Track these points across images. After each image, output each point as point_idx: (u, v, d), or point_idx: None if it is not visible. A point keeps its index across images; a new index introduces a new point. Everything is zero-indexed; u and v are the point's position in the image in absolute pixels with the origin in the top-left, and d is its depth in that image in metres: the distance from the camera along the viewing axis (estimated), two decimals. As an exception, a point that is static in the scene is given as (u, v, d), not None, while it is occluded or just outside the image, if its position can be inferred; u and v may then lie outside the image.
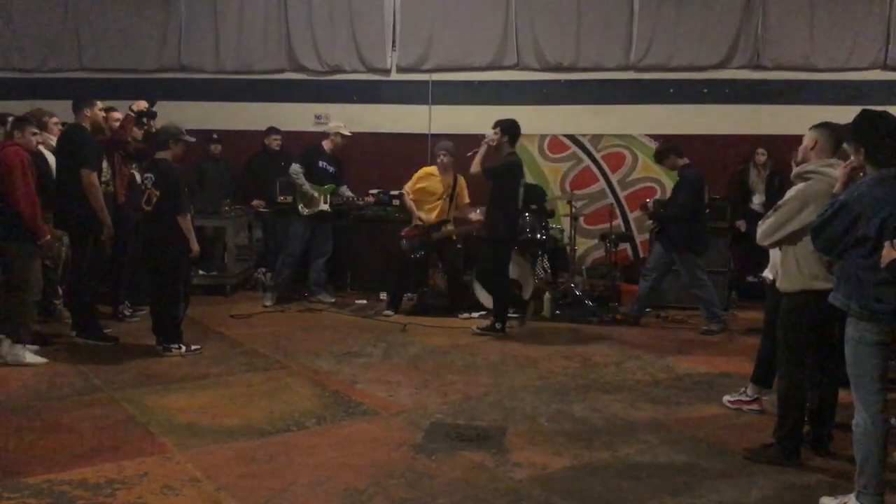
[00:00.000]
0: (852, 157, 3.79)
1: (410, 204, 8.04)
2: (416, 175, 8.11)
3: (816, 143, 4.28)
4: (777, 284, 4.43)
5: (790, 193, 4.28)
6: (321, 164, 8.27)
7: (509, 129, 7.20)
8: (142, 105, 7.04)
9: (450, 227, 8.06)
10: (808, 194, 4.17)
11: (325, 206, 8.27)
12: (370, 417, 4.99)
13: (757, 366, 5.21)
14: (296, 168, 8.19)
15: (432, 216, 7.95)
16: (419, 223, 7.92)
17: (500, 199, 7.10)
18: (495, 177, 7.14)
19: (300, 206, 8.20)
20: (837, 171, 4.15)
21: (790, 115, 8.54)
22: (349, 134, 8.44)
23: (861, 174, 3.73)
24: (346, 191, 8.51)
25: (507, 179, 7.13)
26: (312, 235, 8.34)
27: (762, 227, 4.33)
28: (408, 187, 8.11)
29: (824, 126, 4.35)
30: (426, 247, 7.92)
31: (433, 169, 8.08)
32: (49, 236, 6.01)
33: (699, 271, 7.39)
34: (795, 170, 4.37)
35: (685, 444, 4.61)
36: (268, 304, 8.19)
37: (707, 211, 7.83)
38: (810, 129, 4.38)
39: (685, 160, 7.53)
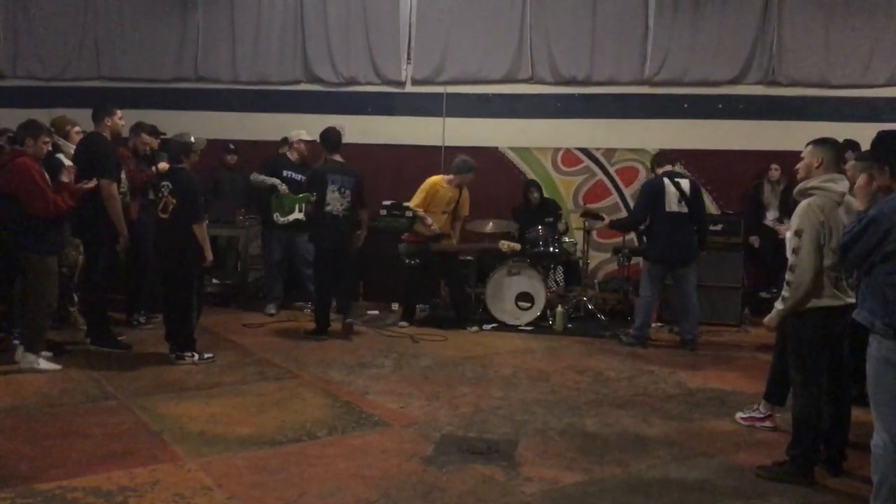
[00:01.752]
0: (875, 176, 3.78)
1: (422, 213, 7.87)
2: (423, 188, 7.88)
3: (822, 161, 4.29)
4: None
5: (796, 217, 4.24)
6: (286, 173, 8.18)
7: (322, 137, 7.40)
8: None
9: (452, 241, 8.00)
10: (815, 212, 4.16)
11: (299, 216, 8.03)
12: (381, 429, 4.99)
13: (769, 383, 5.18)
14: (256, 175, 8.18)
15: (433, 228, 7.91)
16: (422, 230, 7.85)
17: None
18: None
19: (275, 216, 8.02)
20: (840, 185, 4.16)
21: (804, 131, 8.39)
22: (311, 139, 8.31)
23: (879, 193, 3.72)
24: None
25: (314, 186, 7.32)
26: (293, 248, 8.25)
27: (800, 272, 4.19)
28: (416, 203, 7.88)
29: (827, 142, 4.36)
30: (423, 256, 7.85)
31: (440, 180, 7.92)
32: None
33: (651, 283, 7.34)
34: (798, 186, 4.37)
35: (697, 461, 4.59)
36: (271, 312, 8.21)
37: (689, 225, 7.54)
38: (809, 145, 4.39)
39: (663, 169, 7.43)
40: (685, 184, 7.38)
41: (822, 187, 4.20)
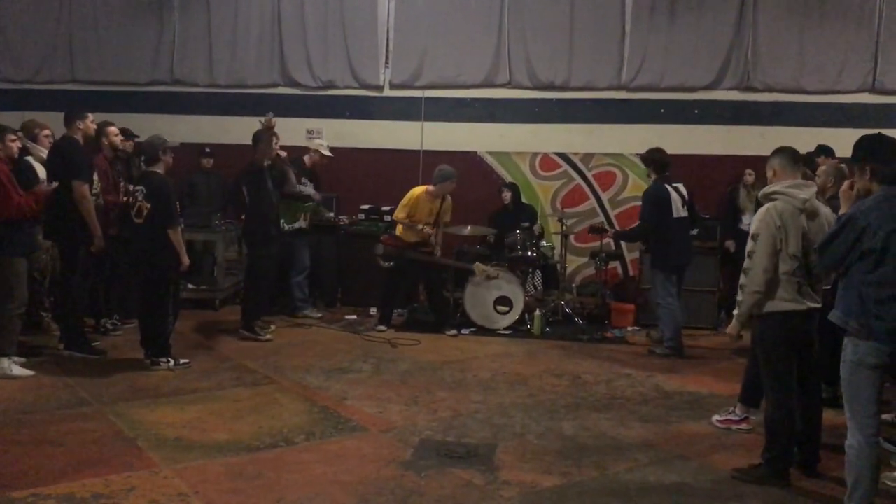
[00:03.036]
0: (855, 178, 3.84)
1: (409, 223, 7.82)
2: (406, 202, 7.82)
3: (774, 170, 4.37)
4: None
5: (755, 222, 4.29)
6: (303, 180, 8.22)
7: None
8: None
9: (434, 249, 7.98)
10: (773, 216, 4.20)
11: (304, 224, 8.25)
12: (359, 434, 4.97)
13: (744, 385, 5.23)
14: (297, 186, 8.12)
15: (415, 240, 7.88)
16: (408, 237, 7.84)
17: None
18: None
19: (281, 222, 8.04)
20: (804, 192, 4.21)
21: (779, 136, 8.53)
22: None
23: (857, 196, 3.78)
24: (325, 211, 8.58)
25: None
26: (290, 253, 8.24)
27: (752, 275, 4.24)
28: (401, 217, 7.82)
29: (780, 151, 4.43)
30: (398, 260, 7.83)
31: (422, 192, 7.85)
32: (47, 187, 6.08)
33: (670, 290, 7.23)
34: (762, 191, 4.43)
35: (674, 464, 4.62)
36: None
37: (694, 228, 7.79)
38: (770, 157, 4.44)
39: (662, 175, 7.41)
40: (682, 188, 7.43)
41: (784, 192, 4.26)
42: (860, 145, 3.79)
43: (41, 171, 6.57)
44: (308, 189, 8.19)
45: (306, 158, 8.40)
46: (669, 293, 7.22)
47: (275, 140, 7.48)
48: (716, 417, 5.35)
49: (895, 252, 3.47)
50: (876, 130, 4.14)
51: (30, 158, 6.49)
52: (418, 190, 7.91)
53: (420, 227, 7.76)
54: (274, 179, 7.52)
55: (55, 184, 6.23)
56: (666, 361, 7.03)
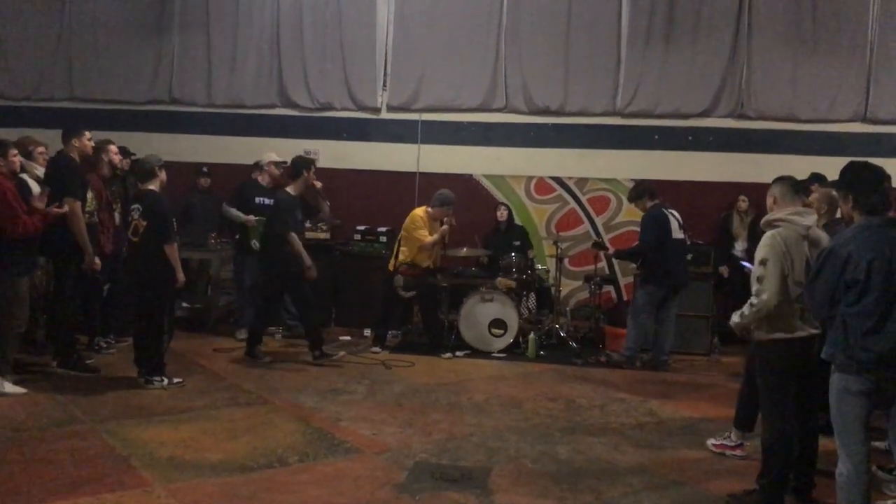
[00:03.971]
0: (841, 205, 3.88)
1: (435, 238, 7.78)
2: (420, 223, 7.79)
3: (774, 198, 4.43)
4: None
5: (762, 248, 4.31)
6: (258, 199, 8.18)
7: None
8: None
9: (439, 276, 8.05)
10: (779, 242, 4.23)
11: None
12: (354, 455, 4.96)
13: (738, 410, 5.25)
14: (225, 206, 8.21)
15: (428, 263, 7.91)
16: (422, 260, 7.82)
17: None
18: None
19: (252, 242, 8.01)
20: (806, 219, 4.25)
21: (772, 163, 8.67)
22: (282, 161, 8.40)
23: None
24: None
25: None
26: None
27: (767, 297, 4.21)
28: (425, 236, 7.75)
29: (779, 180, 4.49)
30: (420, 288, 7.86)
31: (423, 212, 7.88)
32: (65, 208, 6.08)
33: (646, 309, 7.52)
34: (765, 218, 4.48)
35: (669, 489, 4.61)
36: (241, 337, 8.10)
37: (688, 252, 8.01)
38: (770, 185, 4.50)
39: (655, 201, 7.71)
40: (676, 214, 7.69)
41: (787, 219, 4.29)
42: (844, 173, 3.85)
43: (35, 189, 6.57)
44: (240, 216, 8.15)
45: (259, 177, 8.40)
46: (647, 312, 7.51)
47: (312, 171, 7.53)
48: (711, 441, 5.37)
49: (877, 281, 3.50)
50: (867, 159, 4.19)
51: (24, 175, 6.48)
52: (420, 211, 7.96)
53: (444, 228, 7.83)
54: (305, 209, 7.68)
55: (66, 207, 6.22)
56: (660, 386, 7.04)
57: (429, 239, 7.76)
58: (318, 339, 7.39)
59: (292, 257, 7.21)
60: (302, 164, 7.51)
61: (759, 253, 4.31)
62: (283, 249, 7.20)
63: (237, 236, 8.37)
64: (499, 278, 8.12)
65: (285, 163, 8.21)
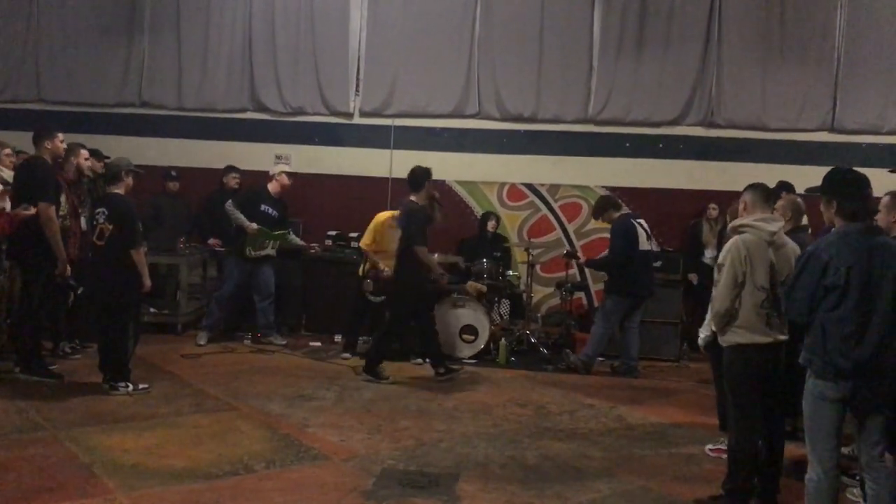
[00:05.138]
0: (823, 210, 3.92)
1: (374, 258, 7.78)
2: (371, 227, 7.84)
3: (745, 203, 4.48)
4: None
5: (722, 253, 4.38)
6: (263, 207, 8.10)
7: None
8: None
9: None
10: (742, 248, 4.27)
11: (271, 252, 8.17)
12: (321, 462, 4.91)
13: (720, 414, 5.31)
14: (230, 205, 8.03)
15: (390, 265, 7.87)
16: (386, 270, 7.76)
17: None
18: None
19: (248, 249, 8.00)
20: (772, 225, 4.29)
21: (742, 171, 8.76)
22: (292, 172, 8.44)
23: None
24: (294, 238, 8.45)
25: None
26: (253, 277, 8.17)
27: (717, 304, 4.33)
28: (366, 243, 7.84)
29: (752, 186, 4.55)
30: (389, 294, 7.82)
31: (387, 218, 7.82)
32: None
33: (612, 318, 7.64)
34: (731, 224, 4.53)
35: (636, 494, 4.63)
36: (201, 343, 8.03)
37: (657, 260, 8.17)
38: (742, 191, 4.56)
39: (621, 212, 7.84)
40: (644, 223, 7.78)
41: (752, 225, 4.34)
42: (828, 179, 3.88)
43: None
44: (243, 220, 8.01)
45: (271, 185, 8.31)
46: (609, 321, 7.63)
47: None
48: (709, 447, 5.42)
49: (856, 288, 3.53)
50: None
51: (-9, 178, 6.38)
52: (383, 216, 7.89)
53: (381, 266, 7.69)
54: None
55: (32, 209, 6.10)
56: (629, 392, 7.07)
57: (366, 243, 7.82)
58: (441, 356, 7.22)
59: (426, 274, 7.03)
60: (424, 174, 7.18)
61: (720, 257, 4.37)
62: (416, 267, 6.95)
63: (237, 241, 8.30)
64: (469, 282, 8.11)
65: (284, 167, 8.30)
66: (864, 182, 3.77)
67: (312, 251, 8.60)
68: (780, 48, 9.31)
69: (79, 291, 6.71)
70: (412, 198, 7.14)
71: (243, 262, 8.06)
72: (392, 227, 7.70)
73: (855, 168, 3.96)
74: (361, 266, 7.89)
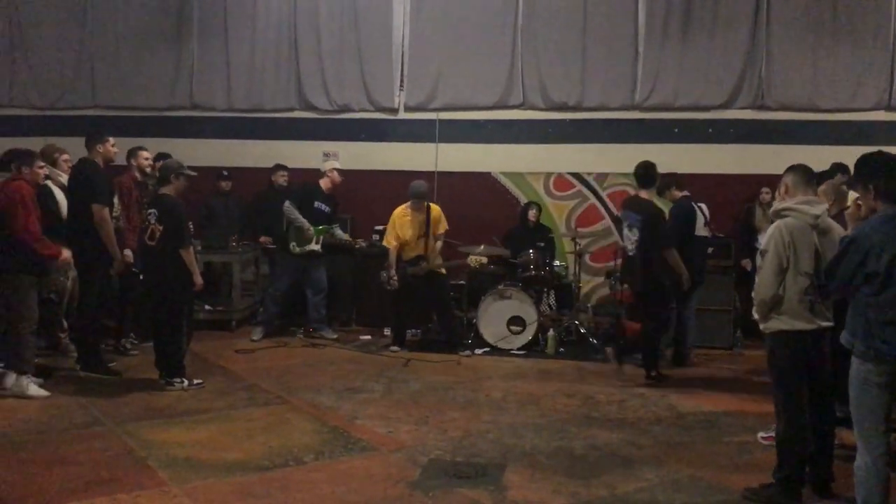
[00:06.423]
0: (859, 197, 3.82)
1: (393, 257, 7.94)
2: (391, 224, 7.99)
3: (787, 186, 4.36)
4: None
5: (767, 237, 4.29)
6: (317, 204, 8.27)
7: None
8: None
9: (434, 262, 7.98)
10: (784, 233, 4.18)
11: (316, 247, 8.28)
12: (369, 453, 4.98)
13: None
14: (288, 205, 8.21)
15: (412, 255, 7.96)
16: (405, 252, 7.94)
17: None
18: None
19: (291, 245, 8.18)
20: (815, 208, 4.18)
21: (794, 154, 8.44)
22: (342, 168, 8.57)
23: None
24: (340, 233, 8.53)
25: None
26: (305, 273, 8.33)
27: (760, 291, 4.26)
28: (388, 240, 7.98)
29: (793, 168, 4.42)
30: (403, 280, 7.89)
31: (401, 210, 7.99)
32: (65, 252, 6.03)
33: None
34: (773, 207, 4.42)
35: (685, 484, 4.57)
36: (256, 338, 8.20)
37: (710, 246, 7.96)
38: (783, 174, 4.43)
39: (684, 192, 7.61)
40: (704, 208, 7.59)
41: (795, 209, 4.23)
42: (862, 164, 3.77)
43: (60, 196, 6.70)
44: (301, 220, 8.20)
45: (322, 182, 8.44)
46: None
47: None
48: (761, 434, 5.33)
49: None
50: (890, 148, 4.09)
51: (49, 183, 6.60)
52: (397, 210, 8.04)
53: (391, 267, 7.89)
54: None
55: (72, 275, 6.48)
56: (681, 381, 6.96)
57: (390, 242, 7.94)
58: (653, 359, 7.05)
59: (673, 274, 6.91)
60: (655, 168, 7.04)
61: (763, 243, 4.28)
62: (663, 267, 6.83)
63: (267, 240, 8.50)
64: (470, 256, 8.07)
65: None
66: None
67: (358, 246, 8.68)
68: (832, 25, 9.05)
69: (141, 277, 6.91)
70: (643, 195, 6.98)
71: (294, 258, 8.21)
72: (408, 216, 7.89)
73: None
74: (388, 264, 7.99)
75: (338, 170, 8.48)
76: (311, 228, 8.17)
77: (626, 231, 7.06)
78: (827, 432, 4.39)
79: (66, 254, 6.23)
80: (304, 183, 8.65)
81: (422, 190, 7.98)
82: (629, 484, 4.54)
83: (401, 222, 7.96)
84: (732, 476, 4.70)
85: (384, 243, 8.11)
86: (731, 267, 8.44)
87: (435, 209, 8.04)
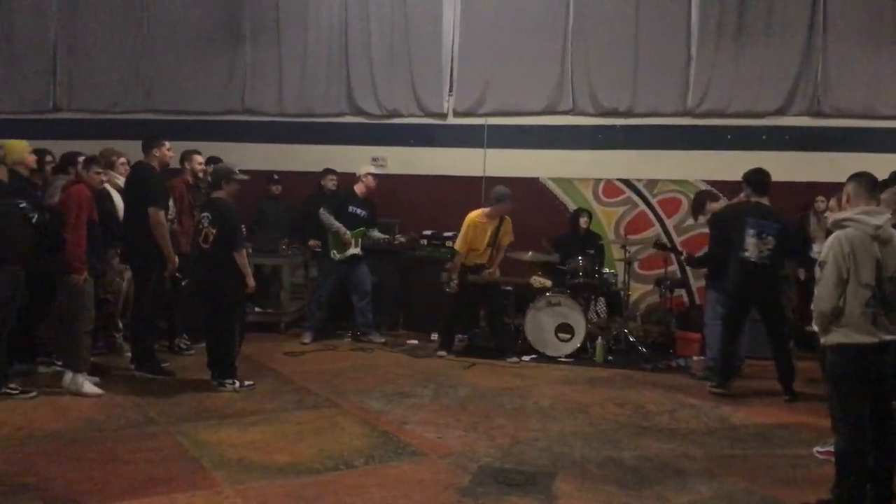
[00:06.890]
0: None
1: (459, 262, 7.84)
2: (464, 229, 7.82)
3: (848, 195, 4.24)
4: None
5: (826, 248, 4.17)
6: (351, 209, 8.31)
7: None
8: None
9: (494, 272, 7.93)
10: (844, 244, 4.06)
11: (356, 250, 8.31)
12: (418, 459, 4.98)
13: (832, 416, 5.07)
14: (324, 211, 8.28)
15: (476, 262, 7.90)
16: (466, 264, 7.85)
17: None
18: None
19: (332, 253, 8.25)
20: (876, 218, 4.06)
21: (850, 162, 8.23)
22: (379, 173, 8.63)
23: None
24: (377, 234, 8.55)
25: None
26: (348, 278, 8.39)
27: (819, 305, 4.14)
28: (460, 245, 7.83)
29: (856, 176, 4.29)
30: (462, 285, 7.85)
31: (478, 215, 7.84)
32: (83, 276, 6.08)
33: (718, 312, 7.14)
34: (833, 217, 4.31)
35: (738, 497, 4.49)
36: (306, 341, 8.28)
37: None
38: (845, 182, 4.31)
39: (720, 203, 7.51)
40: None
41: (855, 219, 4.11)
42: None
43: (117, 199, 6.86)
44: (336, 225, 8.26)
45: (357, 187, 8.47)
46: (719, 315, 7.14)
47: None
48: (817, 448, 5.22)
49: None
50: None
51: (106, 185, 6.76)
52: (473, 214, 7.89)
53: (452, 273, 7.85)
54: None
55: (128, 276, 6.81)
56: (733, 393, 6.84)
57: (461, 248, 7.80)
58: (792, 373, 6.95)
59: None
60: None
61: (821, 254, 4.17)
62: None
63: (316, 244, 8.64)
64: (533, 277, 8.07)
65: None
66: None
67: (396, 242, 8.69)
68: (891, 30, 8.83)
69: (183, 283, 7.03)
70: (765, 202, 6.90)
71: (336, 263, 8.27)
72: (483, 223, 7.78)
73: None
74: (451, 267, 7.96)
75: (373, 174, 8.50)
76: (349, 233, 8.21)
77: (751, 239, 6.78)
78: (889, 448, 4.27)
79: (82, 277, 6.23)
80: (340, 190, 8.71)
81: (507, 200, 7.74)
82: (682, 496, 4.47)
83: (476, 229, 7.80)
84: (787, 490, 4.61)
85: (455, 247, 7.98)
86: (786, 276, 8.26)
87: (507, 219, 7.90)
